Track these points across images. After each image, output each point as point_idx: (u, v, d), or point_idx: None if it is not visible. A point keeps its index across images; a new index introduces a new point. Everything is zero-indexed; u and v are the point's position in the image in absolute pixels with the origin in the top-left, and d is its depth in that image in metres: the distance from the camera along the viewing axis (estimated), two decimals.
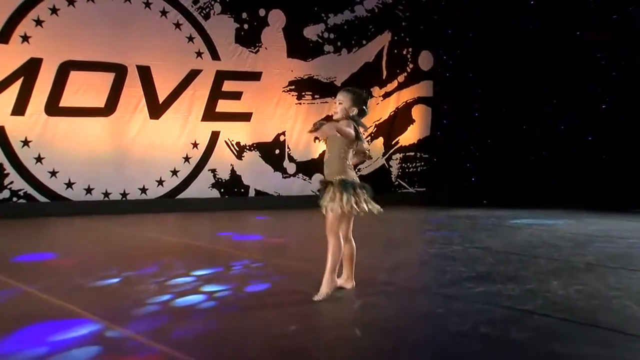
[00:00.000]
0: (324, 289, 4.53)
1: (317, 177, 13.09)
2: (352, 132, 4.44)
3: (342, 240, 4.69)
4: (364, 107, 4.59)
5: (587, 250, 7.09)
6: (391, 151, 14.40)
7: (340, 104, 4.59)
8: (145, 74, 11.65)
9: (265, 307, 4.34)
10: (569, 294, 4.90)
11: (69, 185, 11.16)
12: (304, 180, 13.25)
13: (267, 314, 4.13)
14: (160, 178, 11.93)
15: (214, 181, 12.43)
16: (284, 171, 13.09)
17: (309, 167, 13.27)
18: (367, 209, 4.54)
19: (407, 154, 14.64)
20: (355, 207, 4.60)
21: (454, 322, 3.98)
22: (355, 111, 4.59)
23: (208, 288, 4.94)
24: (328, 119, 13.33)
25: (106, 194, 11.47)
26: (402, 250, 6.98)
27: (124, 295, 4.74)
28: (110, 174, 11.45)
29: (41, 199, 10.88)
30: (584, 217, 10.57)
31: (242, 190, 12.69)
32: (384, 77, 14.12)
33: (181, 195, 12.07)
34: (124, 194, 11.63)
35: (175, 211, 11.40)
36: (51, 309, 4.32)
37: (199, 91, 12.11)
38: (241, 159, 12.66)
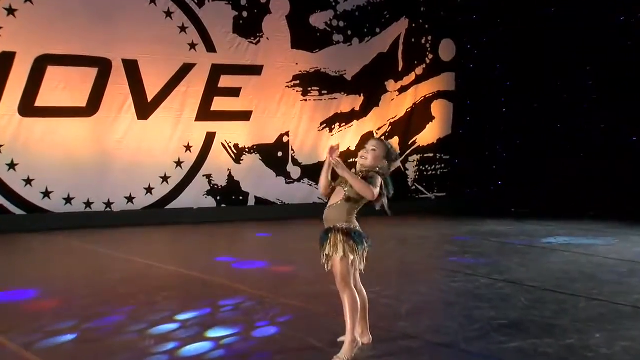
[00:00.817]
0: (347, 354, 4.47)
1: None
2: (376, 193, 4.41)
3: (355, 291, 4.63)
4: (392, 164, 4.57)
5: (633, 285, 6.98)
6: (407, 152, 14.30)
7: (373, 150, 4.54)
8: (132, 68, 11.54)
9: None
10: (614, 352, 4.81)
11: (46, 194, 11.10)
12: (310, 186, 13.17)
13: None
14: (149, 185, 11.87)
15: (209, 188, 12.36)
16: (287, 176, 13.01)
17: (316, 172, 13.03)
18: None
19: (426, 155, 14.54)
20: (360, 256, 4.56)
21: None
22: (385, 164, 4.54)
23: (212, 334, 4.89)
24: (336, 116, 13.17)
25: (88, 204, 11.40)
26: (422, 285, 6.87)
27: (121, 350, 4.68)
28: (92, 181, 11.37)
29: (15, 210, 10.82)
30: (628, 235, 10.46)
31: (241, 197, 12.63)
32: (400, 70, 13.99)
33: (172, 204, 12.00)
34: (108, 204, 11.57)
35: (166, 223, 11.33)
36: None
37: (193, 88, 12.01)
38: (239, 163, 12.58)
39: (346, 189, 4.59)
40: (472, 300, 6.28)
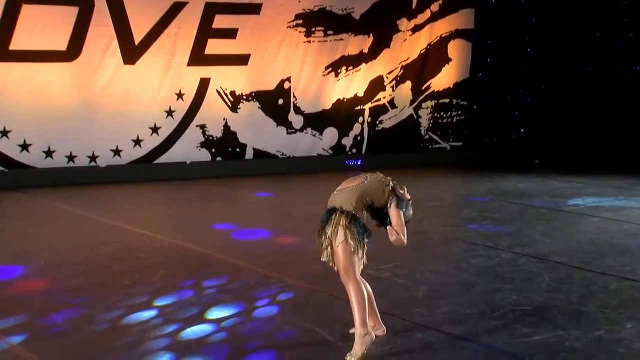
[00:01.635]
0: (359, 350, 4.60)
1: (329, 132, 13.12)
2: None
3: (360, 282, 4.73)
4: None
5: None
6: (421, 98, 14.32)
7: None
8: (116, 8, 11.48)
9: None
10: None
11: (25, 147, 11.20)
12: (314, 136, 13.26)
13: None
14: (138, 137, 11.95)
15: (203, 139, 12.44)
16: (289, 126, 13.06)
17: (320, 121, 13.26)
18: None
19: (441, 101, 14.55)
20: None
21: None
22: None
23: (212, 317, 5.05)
24: (343, 60, 13.11)
25: (71, 158, 11.51)
26: (439, 261, 7.00)
27: (118, 338, 4.84)
28: (75, 133, 11.45)
29: None
30: None
31: (238, 150, 12.71)
32: (413, 7, 13.89)
33: (163, 158, 12.10)
34: (93, 157, 11.67)
35: (157, 180, 11.46)
36: None
37: (184, 29, 11.97)
38: (237, 112, 12.62)
39: (367, 178, 4.66)
40: (493, 280, 6.42)
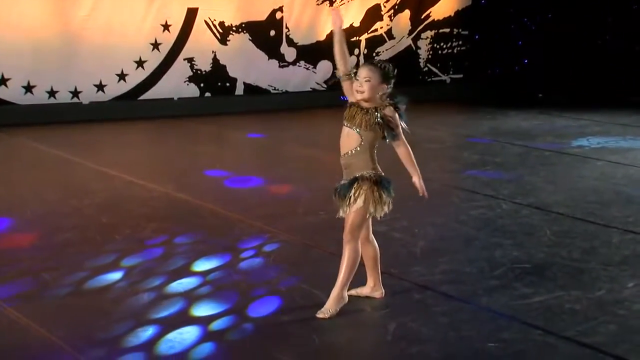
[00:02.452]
0: (332, 306, 4.81)
1: (323, 65, 13.17)
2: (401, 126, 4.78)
3: (360, 245, 4.93)
4: (392, 82, 4.81)
5: None
6: (420, 28, 14.35)
7: (367, 82, 4.74)
8: None
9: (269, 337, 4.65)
10: None
11: (3, 82, 11.26)
12: (307, 69, 13.32)
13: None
14: (122, 71, 12.00)
15: (191, 73, 12.51)
16: (281, 58, 13.12)
17: (314, 53, 13.30)
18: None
19: (441, 30, 14.58)
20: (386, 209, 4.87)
21: None
22: (385, 88, 4.78)
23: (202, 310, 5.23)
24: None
25: (52, 93, 11.58)
26: (438, 212, 7.16)
27: (112, 305, 5.03)
28: (56, 66, 11.50)
29: None
30: None
31: (228, 84, 12.79)
32: None
33: (149, 93, 12.17)
34: (75, 93, 11.74)
35: (143, 117, 11.56)
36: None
37: None
38: (226, 44, 12.65)
39: (359, 130, 4.78)
40: (493, 234, 6.60)
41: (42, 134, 10.32)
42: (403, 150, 4.90)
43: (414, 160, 4.92)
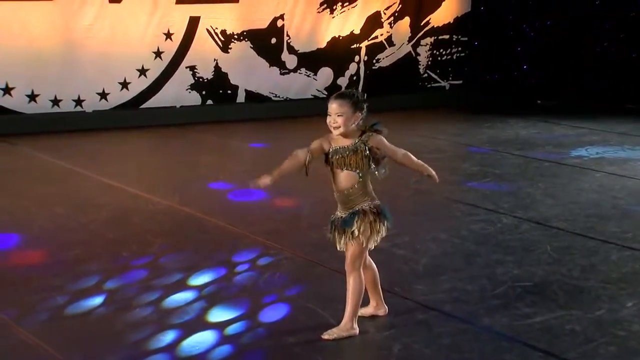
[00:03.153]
0: (339, 333, 4.90)
1: (324, 72, 13.25)
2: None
3: (362, 272, 5.00)
4: (365, 106, 4.81)
5: None
6: (420, 34, 14.42)
7: (340, 116, 4.76)
8: None
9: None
10: None
11: (7, 91, 11.33)
12: (308, 77, 13.40)
13: None
14: (125, 79, 12.07)
15: (193, 81, 12.58)
16: (282, 66, 13.20)
17: (314, 60, 13.38)
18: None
19: (440, 37, 14.66)
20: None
21: None
22: (360, 117, 4.79)
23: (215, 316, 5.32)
24: None
25: (55, 102, 11.65)
26: (440, 227, 7.23)
27: (124, 327, 5.11)
28: (59, 75, 11.57)
29: None
30: None
31: (229, 91, 12.87)
32: None
33: (152, 101, 12.24)
34: (79, 101, 11.81)
35: (145, 125, 11.65)
36: None
37: None
38: (227, 52, 12.73)
39: (357, 171, 4.83)
40: (494, 250, 6.69)
41: (46, 144, 10.39)
42: (402, 155, 4.96)
43: (414, 158, 4.97)
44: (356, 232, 4.83)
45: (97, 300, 5.50)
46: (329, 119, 4.81)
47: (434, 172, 5.06)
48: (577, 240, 7.01)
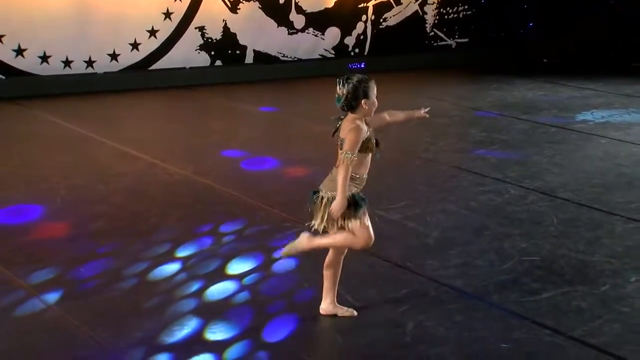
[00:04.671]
0: (296, 247, 5.01)
1: (331, 31, 13.34)
2: (358, 138, 4.68)
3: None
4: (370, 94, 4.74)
5: None
6: None
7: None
8: None
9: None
10: None
11: (20, 52, 11.44)
12: (315, 36, 13.48)
13: None
14: (135, 40, 12.18)
15: (202, 42, 12.69)
16: (290, 26, 13.28)
17: (322, 20, 13.46)
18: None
19: None
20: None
21: None
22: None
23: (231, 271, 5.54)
24: None
25: (67, 63, 11.78)
26: (449, 199, 7.43)
27: (145, 298, 5.32)
28: (71, 36, 11.68)
29: None
30: None
31: (238, 52, 12.98)
32: None
33: (161, 62, 12.36)
34: (90, 62, 11.93)
35: (155, 88, 11.80)
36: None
37: None
38: (236, 13, 12.81)
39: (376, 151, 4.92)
40: (502, 223, 6.89)
41: (60, 107, 10.56)
42: (388, 116, 5.05)
43: (397, 112, 5.09)
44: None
45: (121, 274, 5.68)
46: (375, 101, 4.77)
47: (421, 112, 5.16)
48: (582, 212, 7.20)
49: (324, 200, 4.82)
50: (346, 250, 5.06)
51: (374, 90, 4.78)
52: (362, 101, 4.73)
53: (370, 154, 4.84)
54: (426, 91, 11.66)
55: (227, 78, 12.47)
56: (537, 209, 7.24)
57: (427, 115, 5.26)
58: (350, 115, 4.76)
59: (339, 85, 4.72)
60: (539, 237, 6.61)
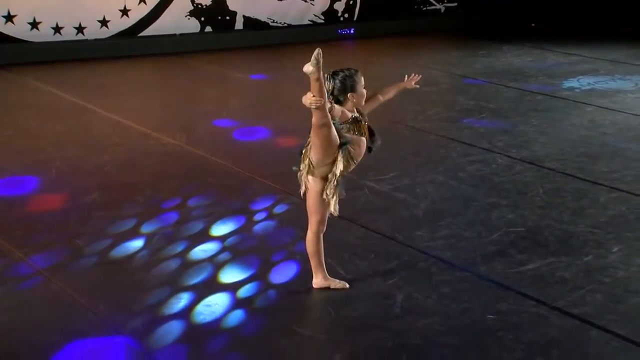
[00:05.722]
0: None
1: None
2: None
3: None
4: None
5: None
6: None
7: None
8: None
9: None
10: (630, 276, 5.64)
11: (9, 18, 11.48)
12: (305, 1, 13.52)
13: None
14: (125, 6, 12.21)
15: (192, 7, 12.73)
16: None
17: None
18: None
19: None
20: None
21: (506, 344, 4.78)
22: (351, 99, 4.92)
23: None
24: None
25: (57, 29, 11.81)
26: (438, 169, 7.54)
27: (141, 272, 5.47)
28: (60, 2, 11.73)
29: None
30: None
31: (228, 17, 13.02)
32: None
33: (152, 28, 12.40)
34: (80, 28, 11.97)
35: (146, 55, 11.86)
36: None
37: None
38: None
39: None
40: (489, 194, 7.04)
41: (51, 75, 10.63)
42: (380, 95, 5.23)
43: (388, 88, 5.28)
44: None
45: (117, 247, 5.82)
46: (363, 93, 4.95)
47: (410, 82, 5.34)
48: (567, 182, 7.36)
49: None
50: (323, 228, 5.15)
51: (361, 83, 4.96)
52: (349, 95, 4.91)
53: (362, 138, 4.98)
54: (415, 58, 11.76)
55: (217, 44, 12.52)
56: (523, 179, 7.39)
57: (417, 86, 5.40)
58: (338, 108, 4.86)
59: (326, 80, 4.83)
60: (525, 207, 6.76)
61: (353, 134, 4.94)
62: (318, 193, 5.01)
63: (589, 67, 11.62)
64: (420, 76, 5.43)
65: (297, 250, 5.77)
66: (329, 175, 4.94)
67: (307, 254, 5.22)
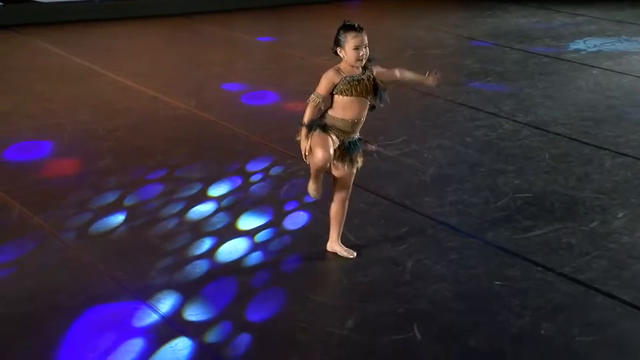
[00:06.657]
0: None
1: None
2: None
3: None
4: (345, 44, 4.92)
5: None
6: None
7: (366, 47, 4.93)
8: None
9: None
10: (635, 241, 5.77)
11: None
12: None
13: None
14: None
15: None
16: None
17: None
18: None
19: None
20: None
21: (513, 310, 4.91)
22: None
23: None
24: None
25: None
26: (445, 134, 7.63)
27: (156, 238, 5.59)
28: None
29: None
30: None
31: None
32: None
33: None
34: None
35: (154, 16, 11.90)
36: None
37: None
38: None
39: (369, 98, 5.06)
40: (496, 159, 7.14)
41: (59, 37, 10.66)
42: (399, 73, 5.27)
43: (409, 71, 5.32)
44: (359, 160, 5.20)
45: (133, 211, 5.93)
46: (359, 53, 4.92)
47: (431, 79, 5.37)
48: (573, 147, 7.46)
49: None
50: (348, 194, 5.28)
51: (349, 42, 4.91)
52: (338, 49, 4.96)
53: (363, 99, 5.01)
54: (421, 19, 11.77)
55: (223, 5, 12.51)
56: (529, 144, 7.48)
57: (437, 82, 5.42)
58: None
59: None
60: (531, 173, 6.86)
61: (352, 92, 4.95)
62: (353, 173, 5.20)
63: (595, 28, 11.65)
64: (440, 77, 5.42)
65: (308, 219, 5.86)
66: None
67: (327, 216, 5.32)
